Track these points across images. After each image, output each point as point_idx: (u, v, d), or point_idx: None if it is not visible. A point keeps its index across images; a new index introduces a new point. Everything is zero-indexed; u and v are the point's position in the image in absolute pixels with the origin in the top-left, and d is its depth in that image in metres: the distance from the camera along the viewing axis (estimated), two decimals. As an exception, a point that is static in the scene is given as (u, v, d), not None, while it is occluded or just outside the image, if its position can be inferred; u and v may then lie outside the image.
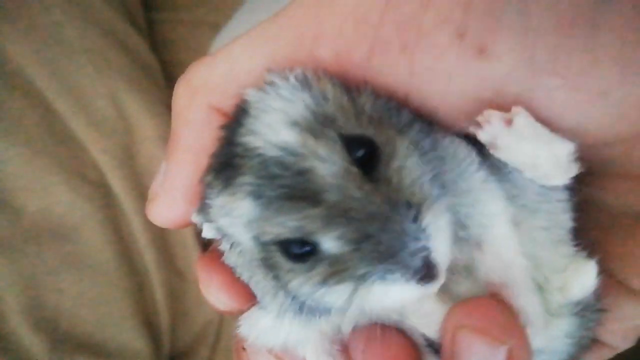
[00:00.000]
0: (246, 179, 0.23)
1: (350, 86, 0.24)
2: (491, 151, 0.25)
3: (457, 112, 0.24)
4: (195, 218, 0.28)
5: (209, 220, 0.27)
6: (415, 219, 0.22)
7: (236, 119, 0.25)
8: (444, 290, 0.24)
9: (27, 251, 0.57)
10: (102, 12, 0.70)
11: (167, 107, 0.72)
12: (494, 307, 0.24)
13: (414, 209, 0.22)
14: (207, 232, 0.28)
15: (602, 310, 0.28)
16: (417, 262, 0.22)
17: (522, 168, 0.25)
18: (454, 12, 0.21)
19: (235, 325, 0.29)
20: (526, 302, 0.25)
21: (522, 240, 0.26)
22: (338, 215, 0.22)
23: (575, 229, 0.28)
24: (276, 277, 0.25)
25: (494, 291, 0.25)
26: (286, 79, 0.24)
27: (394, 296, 0.22)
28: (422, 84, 0.23)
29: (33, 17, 0.64)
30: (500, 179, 0.26)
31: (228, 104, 0.25)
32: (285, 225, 0.22)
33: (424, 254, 0.22)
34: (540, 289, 0.26)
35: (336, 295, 0.23)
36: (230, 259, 0.28)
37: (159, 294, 0.63)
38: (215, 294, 0.29)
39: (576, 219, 0.28)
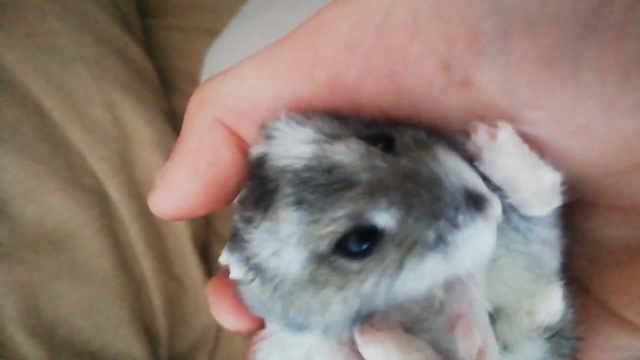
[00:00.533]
0: (284, 192, 0.23)
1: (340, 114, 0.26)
2: (476, 163, 0.25)
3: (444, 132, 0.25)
4: (225, 259, 0.27)
5: (245, 258, 0.26)
6: (440, 170, 0.22)
7: (258, 160, 0.26)
8: None
9: (25, 259, 0.57)
10: (97, 19, 0.70)
11: (163, 113, 0.72)
12: None
13: (438, 163, 0.23)
14: (237, 273, 0.27)
15: (578, 339, 0.28)
16: (460, 197, 0.22)
17: (504, 187, 0.25)
18: (440, 45, 0.23)
19: (252, 349, 0.30)
20: (484, 336, 0.25)
21: (497, 275, 0.26)
22: (377, 188, 0.22)
23: (563, 264, 0.28)
24: (341, 288, 0.24)
25: (453, 321, 0.25)
26: (284, 119, 0.26)
27: (479, 240, 0.22)
28: (410, 108, 0.24)
29: (29, 25, 0.64)
30: None
31: (230, 118, 0.27)
32: (335, 218, 0.22)
33: (462, 189, 0.22)
34: (510, 312, 0.27)
35: (426, 268, 0.23)
36: (254, 295, 0.27)
37: (157, 300, 0.63)
38: (225, 317, 0.30)
39: (565, 253, 0.28)
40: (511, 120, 0.23)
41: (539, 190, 0.24)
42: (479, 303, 0.25)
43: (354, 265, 0.23)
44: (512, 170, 0.24)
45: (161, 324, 0.63)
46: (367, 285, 0.23)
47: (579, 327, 0.28)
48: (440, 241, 0.22)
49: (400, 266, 0.23)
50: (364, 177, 0.22)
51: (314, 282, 0.24)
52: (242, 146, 0.28)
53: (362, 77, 0.24)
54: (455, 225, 0.22)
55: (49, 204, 0.59)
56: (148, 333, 0.62)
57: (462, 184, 0.22)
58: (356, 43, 0.24)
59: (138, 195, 0.64)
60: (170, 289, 0.65)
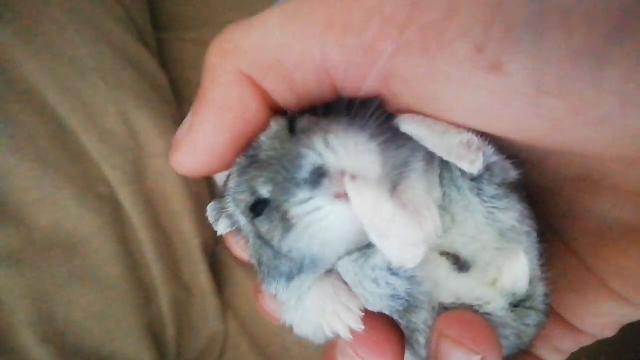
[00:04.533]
0: (238, 160, 0.29)
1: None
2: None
3: (463, 120, 0.26)
4: (211, 211, 0.32)
5: (227, 215, 0.31)
6: (314, 144, 0.25)
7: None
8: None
9: (38, 264, 0.58)
10: (113, 32, 0.72)
11: (176, 123, 0.73)
12: (472, 321, 0.27)
13: (318, 139, 0.25)
14: (221, 227, 0.32)
15: (547, 314, 0.31)
16: (305, 174, 0.25)
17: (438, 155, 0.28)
18: (476, 28, 0.22)
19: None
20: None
21: (459, 229, 0.29)
22: (264, 166, 0.26)
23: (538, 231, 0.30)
24: (266, 243, 0.28)
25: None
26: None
27: (315, 214, 0.25)
28: (437, 88, 0.24)
29: (47, 36, 0.66)
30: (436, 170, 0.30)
31: (256, 71, 0.27)
32: (242, 190, 0.28)
33: (312, 163, 0.25)
34: (482, 266, 0.29)
35: (290, 237, 0.26)
36: (247, 252, 0.31)
37: (166, 307, 0.64)
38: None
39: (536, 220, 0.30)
40: (532, 106, 0.24)
41: (454, 150, 0.27)
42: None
43: (262, 225, 0.28)
44: (430, 142, 0.27)
45: (170, 330, 0.64)
46: (272, 240, 0.27)
47: (549, 301, 0.31)
48: (287, 215, 0.26)
49: (282, 227, 0.26)
50: (263, 155, 0.27)
51: (258, 237, 0.29)
52: (268, 100, 0.28)
53: (395, 50, 0.24)
54: (295, 201, 0.25)
55: (62, 211, 0.60)
56: (157, 340, 0.63)
57: (315, 162, 0.25)
58: (390, 14, 0.23)
59: (150, 203, 0.65)
60: (179, 297, 0.65)
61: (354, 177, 0.24)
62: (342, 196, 0.24)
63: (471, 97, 0.24)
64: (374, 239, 0.25)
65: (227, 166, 0.29)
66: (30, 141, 0.61)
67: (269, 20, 0.26)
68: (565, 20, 0.21)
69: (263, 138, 0.28)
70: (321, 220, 0.25)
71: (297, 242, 0.26)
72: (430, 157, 0.29)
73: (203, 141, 0.28)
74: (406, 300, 0.27)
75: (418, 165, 0.29)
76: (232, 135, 0.27)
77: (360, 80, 0.26)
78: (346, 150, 0.25)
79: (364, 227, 0.24)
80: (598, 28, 0.21)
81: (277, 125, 0.28)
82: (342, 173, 0.24)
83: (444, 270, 0.29)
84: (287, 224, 0.26)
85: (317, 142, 0.25)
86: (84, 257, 0.60)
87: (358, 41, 0.24)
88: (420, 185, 0.28)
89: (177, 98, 0.79)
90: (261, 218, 0.27)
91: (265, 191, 0.26)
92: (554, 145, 0.25)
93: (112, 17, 0.73)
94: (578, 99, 0.22)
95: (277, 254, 0.28)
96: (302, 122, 0.28)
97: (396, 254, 0.25)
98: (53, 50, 0.65)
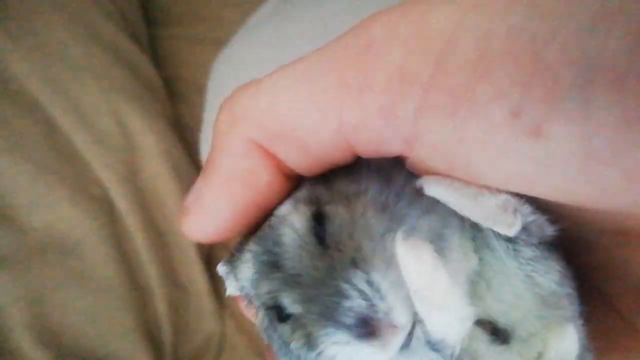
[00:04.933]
0: (253, 247, 0.27)
1: None
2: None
3: (503, 185, 0.24)
4: (221, 269, 0.29)
5: (236, 278, 0.29)
6: (353, 277, 0.23)
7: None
8: None
9: (32, 266, 0.58)
10: (105, 30, 0.71)
11: (169, 122, 0.73)
12: None
13: (359, 268, 0.23)
14: (231, 289, 0.29)
15: None
16: (349, 320, 0.22)
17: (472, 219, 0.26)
18: (512, 90, 0.20)
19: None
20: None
21: (493, 294, 0.27)
22: (292, 283, 0.24)
23: (579, 294, 0.27)
24: (284, 343, 0.26)
25: None
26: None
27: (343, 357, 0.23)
28: (470, 154, 0.22)
29: (38, 36, 0.65)
30: (471, 235, 0.27)
31: (267, 139, 0.25)
32: (262, 293, 0.26)
33: (358, 310, 0.22)
34: (525, 336, 0.27)
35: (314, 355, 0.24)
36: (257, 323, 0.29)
37: (162, 308, 0.63)
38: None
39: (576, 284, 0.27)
40: (582, 174, 0.21)
41: (490, 214, 0.25)
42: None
43: (283, 329, 0.26)
44: (462, 206, 0.25)
45: (165, 331, 0.64)
46: (290, 345, 0.26)
47: None
48: (316, 342, 0.24)
49: (306, 346, 0.25)
50: (288, 267, 0.25)
51: (274, 329, 0.27)
52: (280, 166, 0.26)
53: (418, 112, 0.22)
54: (331, 340, 0.23)
55: (56, 213, 0.60)
56: (152, 340, 0.63)
57: (360, 309, 0.23)
58: (412, 73, 0.21)
59: (144, 203, 0.65)
60: (175, 297, 0.65)
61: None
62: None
63: (510, 164, 0.22)
64: (422, 309, 0.23)
65: (238, 234, 0.28)
66: (22, 142, 0.61)
67: (278, 82, 0.24)
68: (617, 81, 0.19)
69: (286, 239, 0.25)
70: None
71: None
72: (462, 222, 0.27)
73: (212, 210, 0.27)
74: None
75: (454, 238, 0.26)
76: (242, 206, 0.26)
77: (382, 145, 0.24)
78: (395, 297, 0.23)
79: (412, 294, 0.22)
80: None
81: (299, 222, 0.25)
82: (392, 326, 0.22)
83: (482, 342, 0.26)
84: (312, 347, 0.24)
85: (359, 279, 0.23)
86: (79, 258, 0.60)
87: (377, 104, 0.22)
88: (459, 266, 0.26)
89: (170, 96, 0.78)
90: (283, 324, 0.26)
91: (292, 308, 0.25)
92: (601, 208, 0.23)
93: (103, 14, 0.72)
94: (632, 166, 0.20)
95: (291, 353, 0.26)
96: (331, 225, 0.25)
97: (443, 327, 0.23)
98: (44, 50, 0.65)
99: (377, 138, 0.23)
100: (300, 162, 0.26)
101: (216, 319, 0.68)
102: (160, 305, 0.63)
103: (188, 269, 0.67)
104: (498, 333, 0.27)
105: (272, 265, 0.25)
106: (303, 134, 0.24)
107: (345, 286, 0.23)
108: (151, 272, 0.63)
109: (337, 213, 0.26)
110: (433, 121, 0.22)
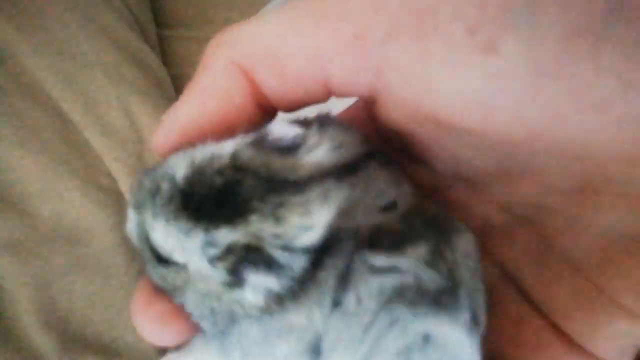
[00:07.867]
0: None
1: None
2: None
3: (461, 111, 0.25)
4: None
5: None
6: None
7: None
8: None
9: (41, 254, 0.60)
10: (116, 29, 0.73)
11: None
12: None
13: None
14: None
15: None
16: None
17: None
18: (469, 8, 0.22)
19: None
20: None
21: None
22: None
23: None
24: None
25: None
26: None
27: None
28: (432, 74, 0.24)
29: (50, 31, 0.68)
30: None
31: (248, 61, 0.27)
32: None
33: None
34: None
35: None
36: None
37: None
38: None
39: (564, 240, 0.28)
40: (529, 90, 0.23)
41: None
42: None
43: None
44: None
45: (169, 319, 0.65)
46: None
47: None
48: None
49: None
50: None
51: None
52: (256, 93, 0.27)
53: (387, 36, 0.24)
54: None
55: (65, 202, 0.62)
56: (157, 328, 0.63)
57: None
58: (384, 1, 0.23)
59: (150, 195, 0.66)
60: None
61: None
62: None
63: (466, 82, 0.23)
64: None
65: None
66: (34, 134, 0.63)
67: (265, 17, 0.26)
68: None
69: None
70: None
71: None
72: None
73: (177, 122, 0.27)
74: None
75: None
76: (210, 121, 0.27)
77: (355, 73, 0.26)
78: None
79: None
80: (595, 5, 0.20)
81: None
82: None
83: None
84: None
85: None
86: (87, 247, 0.62)
87: (350, 30, 0.24)
88: None
89: (177, 94, 0.80)
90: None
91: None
92: (555, 145, 0.24)
93: (115, 14, 0.75)
94: (577, 81, 0.22)
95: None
96: None
97: None
98: (56, 46, 0.67)
99: (351, 66, 0.25)
100: (277, 87, 0.27)
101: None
102: None
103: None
104: None
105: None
106: (282, 57, 0.26)
107: None
108: (157, 261, 0.64)
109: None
110: (401, 43, 0.24)
